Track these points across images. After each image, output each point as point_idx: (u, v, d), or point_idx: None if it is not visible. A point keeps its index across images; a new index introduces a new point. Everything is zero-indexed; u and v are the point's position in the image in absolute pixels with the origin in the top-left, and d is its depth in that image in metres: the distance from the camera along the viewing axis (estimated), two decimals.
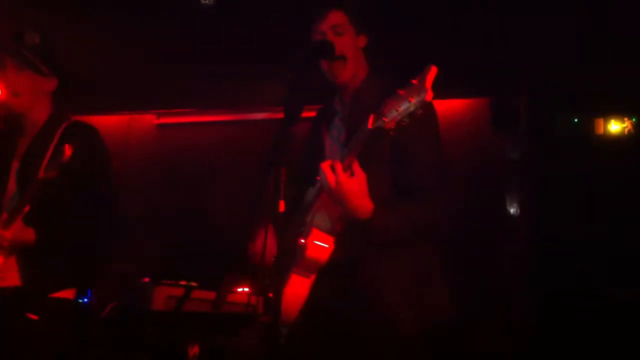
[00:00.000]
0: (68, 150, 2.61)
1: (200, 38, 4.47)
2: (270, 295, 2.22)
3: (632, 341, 3.74)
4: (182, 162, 5.20)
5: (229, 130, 5.22)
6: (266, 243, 2.26)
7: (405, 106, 1.93)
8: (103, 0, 4.14)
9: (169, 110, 5.41)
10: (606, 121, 4.08)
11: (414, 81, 1.93)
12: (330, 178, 2.11)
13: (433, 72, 1.91)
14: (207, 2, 4.11)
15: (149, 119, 5.51)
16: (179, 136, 5.37)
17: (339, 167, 2.11)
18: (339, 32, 2.38)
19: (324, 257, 2.21)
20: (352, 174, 2.11)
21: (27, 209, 2.63)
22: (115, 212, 2.80)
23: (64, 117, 2.85)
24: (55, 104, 2.92)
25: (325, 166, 2.14)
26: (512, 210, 4.28)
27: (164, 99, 5.18)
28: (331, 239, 2.22)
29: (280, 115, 2.26)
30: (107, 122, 5.11)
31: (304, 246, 2.21)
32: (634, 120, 4.04)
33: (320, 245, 2.21)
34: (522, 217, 4.23)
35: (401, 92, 1.94)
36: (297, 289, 2.23)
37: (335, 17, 2.39)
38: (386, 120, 1.97)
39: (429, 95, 1.90)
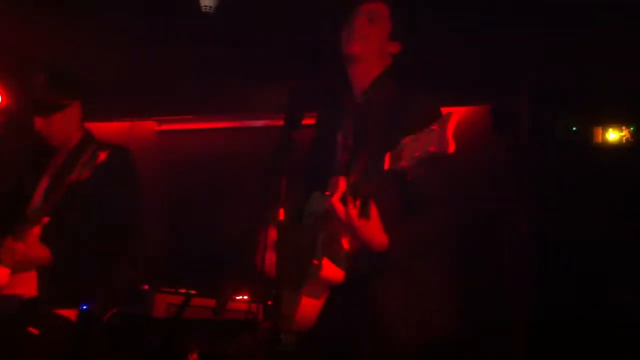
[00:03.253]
0: (102, 155, 2.63)
1: (201, 45, 4.48)
2: (270, 303, 2.23)
3: (632, 341, 3.74)
4: (182, 169, 5.20)
5: (229, 137, 5.23)
6: (265, 253, 2.25)
7: (424, 154, 1.79)
8: (103, 7, 4.15)
9: (169, 117, 5.43)
10: (604, 130, 4.09)
11: (433, 127, 1.78)
12: (342, 214, 2.05)
13: (453, 120, 1.75)
14: (208, 9, 4.12)
15: (149, 126, 5.52)
16: (180, 143, 5.38)
17: (350, 204, 2.04)
18: (374, 20, 2.35)
19: (338, 277, 2.18)
20: (367, 214, 2.05)
21: (46, 219, 2.63)
22: (136, 230, 2.81)
23: (96, 141, 2.89)
24: (84, 123, 2.97)
25: (335, 201, 2.06)
26: (512, 216, 4.29)
27: (165, 106, 5.19)
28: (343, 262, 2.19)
29: (282, 122, 2.26)
30: (108, 129, 5.13)
31: (318, 267, 2.18)
32: (632, 128, 4.06)
33: (334, 268, 2.18)
34: (522, 222, 4.24)
35: (422, 136, 1.81)
36: (310, 308, 2.22)
37: (374, 5, 2.37)
38: (404, 165, 1.85)
39: (451, 148, 1.73)
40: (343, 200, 2.06)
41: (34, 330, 2.62)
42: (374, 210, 2.06)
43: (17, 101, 4.77)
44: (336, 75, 2.42)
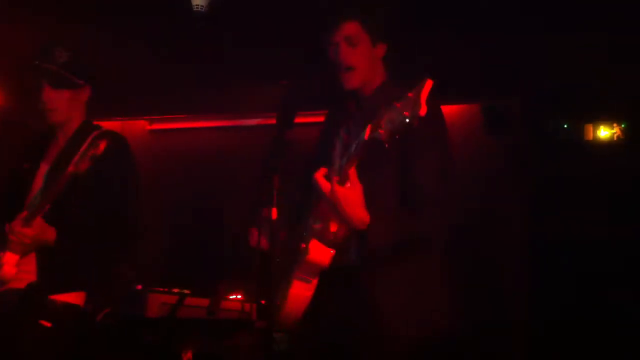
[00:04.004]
0: (102, 144, 2.63)
1: (193, 44, 4.48)
2: (263, 302, 2.24)
3: (632, 341, 3.77)
4: (174, 168, 5.20)
5: (221, 136, 5.23)
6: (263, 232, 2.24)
7: (399, 119, 1.91)
8: (95, 6, 4.15)
9: (161, 116, 5.42)
10: (595, 127, 4.12)
11: (410, 94, 1.90)
12: (325, 187, 2.10)
13: (428, 85, 1.89)
14: (199, 8, 4.11)
15: (141, 125, 5.51)
16: (172, 142, 5.38)
17: (334, 177, 2.09)
18: (353, 43, 2.36)
19: (325, 260, 2.19)
20: (347, 184, 2.09)
21: (48, 206, 2.65)
22: (135, 220, 2.81)
23: (95, 126, 2.88)
24: (87, 110, 2.96)
25: (319, 175, 2.12)
26: (506, 213, 4.31)
27: (157, 105, 5.19)
28: (330, 244, 2.21)
29: (274, 121, 2.26)
30: None
31: (305, 250, 2.20)
32: (623, 126, 4.08)
33: (321, 249, 2.19)
34: (516, 220, 4.26)
35: (397, 104, 1.93)
36: (299, 294, 2.23)
37: (350, 28, 2.36)
38: (382, 132, 1.96)
39: (422, 110, 1.87)
40: (328, 177, 2.11)
41: (47, 323, 2.62)
42: (355, 182, 2.10)
43: (14, 101, 4.77)
44: (337, 82, 2.44)
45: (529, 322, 4.04)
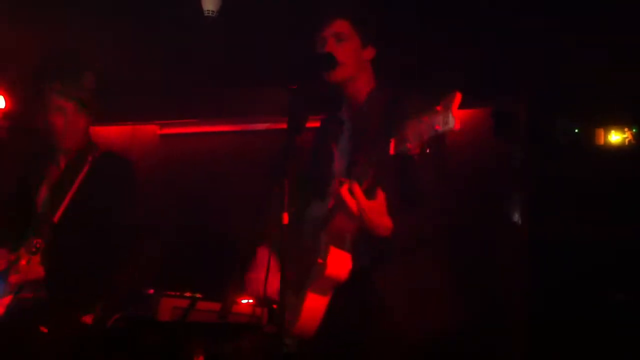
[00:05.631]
0: (91, 159, 2.70)
1: (203, 48, 4.50)
2: (275, 307, 2.25)
3: (631, 341, 3.75)
4: (185, 173, 5.21)
5: (232, 141, 5.24)
6: (268, 275, 2.28)
7: (432, 133, 1.89)
8: (105, 11, 4.18)
9: (172, 120, 5.44)
10: (607, 131, 4.11)
11: (438, 108, 1.88)
12: (351, 203, 2.11)
13: (458, 98, 1.87)
14: (210, 14, 4.14)
15: (152, 130, 5.53)
16: (182, 146, 5.39)
17: (357, 191, 2.11)
18: (341, 39, 2.39)
19: (343, 275, 2.22)
20: (373, 197, 2.11)
21: (39, 245, 2.67)
22: (135, 234, 2.82)
23: (95, 149, 2.89)
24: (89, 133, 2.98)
25: (344, 191, 2.13)
26: (512, 217, 4.31)
27: (167, 110, 5.21)
28: (349, 256, 2.23)
29: (283, 126, 2.27)
30: (110, 133, 5.15)
31: (323, 266, 2.22)
32: (634, 130, 4.07)
33: (340, 264, 2.22)
34: (522, 224, 4.25)
35: (425, 118, 1.91)
36: (315, 307, 2.25)
37: (340, 25, 2.40)
38: (410, 146, 1.94)
39: (456, 125, 1.85)
40: (350, 191, 2.12)
41: (43, 329, 2.63)
42: (379, 192, 2.12)
43: (21, 105, 4.80)
44: (329, 87, 2.44)
45: (529, 322, 4.03)
